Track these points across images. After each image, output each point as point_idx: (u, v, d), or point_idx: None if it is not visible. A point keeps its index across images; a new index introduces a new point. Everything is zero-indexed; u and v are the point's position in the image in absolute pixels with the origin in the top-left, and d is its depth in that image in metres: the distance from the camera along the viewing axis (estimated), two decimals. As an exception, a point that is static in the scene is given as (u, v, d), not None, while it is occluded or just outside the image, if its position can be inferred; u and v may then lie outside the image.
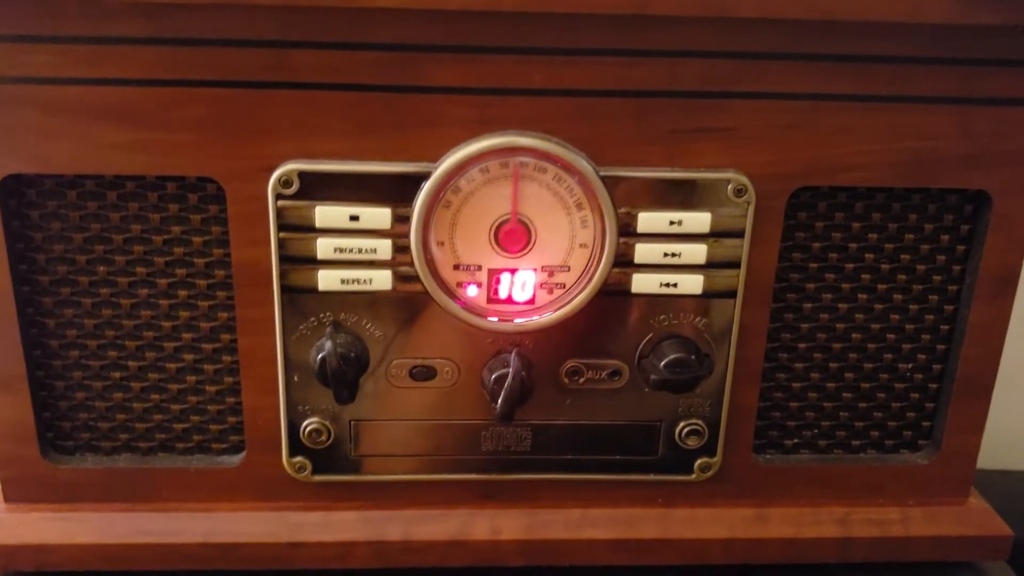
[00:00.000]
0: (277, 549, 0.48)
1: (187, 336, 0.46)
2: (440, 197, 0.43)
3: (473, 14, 0.40)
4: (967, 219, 0.47)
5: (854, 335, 0.49)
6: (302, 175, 0.43)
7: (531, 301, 0.46)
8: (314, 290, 0.45)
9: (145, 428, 0.48)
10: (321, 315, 0.45)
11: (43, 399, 0.47)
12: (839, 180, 0.45)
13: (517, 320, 0.46)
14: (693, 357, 0.45)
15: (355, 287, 0.45)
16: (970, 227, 0.47)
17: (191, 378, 0.47)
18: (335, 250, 0.44)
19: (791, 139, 0.44)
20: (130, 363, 0.47)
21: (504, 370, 0.45)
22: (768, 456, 0.51)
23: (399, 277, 0.45)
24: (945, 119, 0.44)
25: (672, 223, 0.44)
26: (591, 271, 0.45)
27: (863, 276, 0.47)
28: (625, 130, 0.43)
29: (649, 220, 0.44)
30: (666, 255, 0.45)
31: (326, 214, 0.43)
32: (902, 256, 0.47)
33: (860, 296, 0.48)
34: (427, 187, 0.43)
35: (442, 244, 0.45)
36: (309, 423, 0.47)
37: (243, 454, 0.48)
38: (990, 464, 0.59)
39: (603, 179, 0.43)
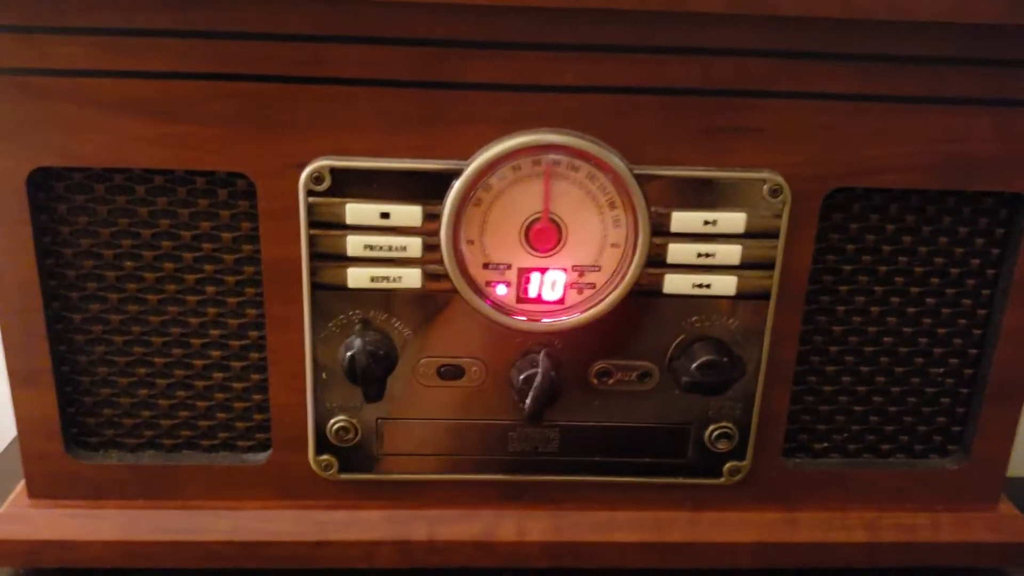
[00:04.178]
0: (302, 548, 0.48)
1: (214, 333, 0.46)
2: (471, 195, 0.43)
3: (507, 9, 0.40)
4: (1002, 223, 0.46)
5: (886, 338, 0.48)
6: (334, 171, 0.42)
7: (561, 301, 0.45)
8: (344, 287, 0.44)
9: (170, 425, 0.48)
10: (350, 313, 0.45)
11: (68, 395, 0.47)
12: (874, 182, 0.44)
13: (546, 320, 0.45)
14: (725, 359, 0.45)
15: (385, 285, 0.44)
16: (1005, 231, 0.46)
17: (218, 375, 0.47)
18: (365, 247, 0.43)
19: (827, 140, 0.43)
20: (156, 359, 0.46)
21: (533, 370, 0.45)
22: (797, 460, 0.50)
23: (428, 275, 0.44)
24: (981, 121, 0.43)
25: (706, 223, 0.44)
26: (623, 271, 0.44)
27: (896, 279, 0.47)
28: (659, 128, 0.43)
29: (683, 220, 0.44)
30: (700, 255, 0.44)
31: (357, 211, 0.43)
32: (936, 259, 0.47)
33: (892, 299, 0.47)
34: (458, 185, 0.42)
35: (472, 242, 0.44)
36: (336, 421, 0.47)
37: (269, 452, 0.48)
38: (1021, 472, 0.59)
39: (636, 177, 0.43)
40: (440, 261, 0.44)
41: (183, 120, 0.41)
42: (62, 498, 0.48)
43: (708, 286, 0.45)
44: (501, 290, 0.45)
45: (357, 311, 0.45)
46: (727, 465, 0.49)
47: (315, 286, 0.44)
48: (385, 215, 0.43)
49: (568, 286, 0.45)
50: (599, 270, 0.45)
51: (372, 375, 0.44)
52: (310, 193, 0.42)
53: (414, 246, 0.44)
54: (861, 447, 0.50)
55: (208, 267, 0.45)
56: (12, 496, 0.48)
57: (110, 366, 0.46)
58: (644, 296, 0.45)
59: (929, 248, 0.46)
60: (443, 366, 0.46)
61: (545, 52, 0.41)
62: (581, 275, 0.45)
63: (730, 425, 0.48)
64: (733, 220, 0.44)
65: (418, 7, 0.39)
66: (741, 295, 0.45)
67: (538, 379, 0.44)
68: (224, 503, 0.48)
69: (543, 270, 0.45)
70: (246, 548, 0.48)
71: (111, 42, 0.40)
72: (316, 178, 0.42)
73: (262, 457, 0.48)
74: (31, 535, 0.47)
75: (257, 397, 0.47)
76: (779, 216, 0.44)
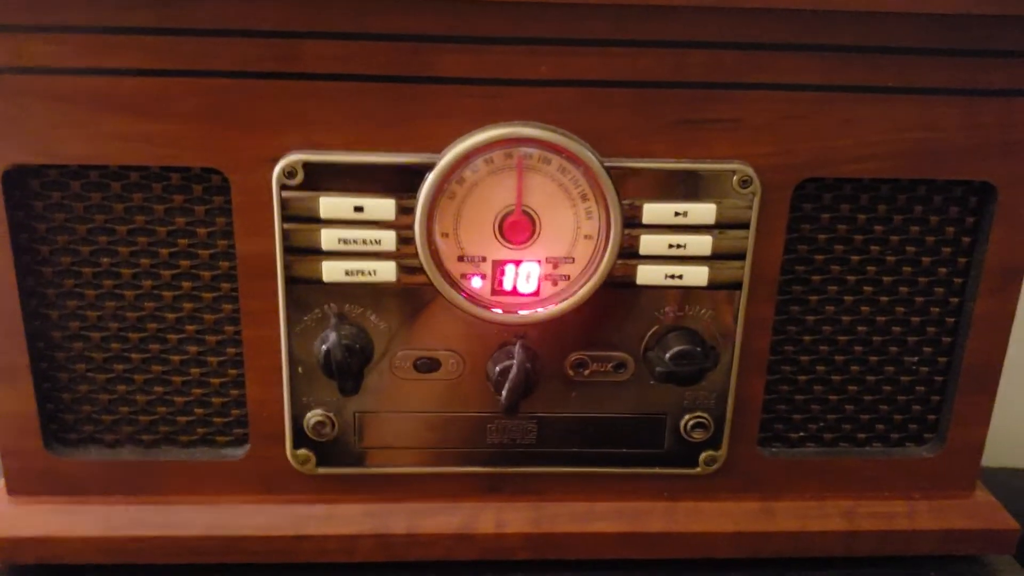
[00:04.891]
0: (281, 542, 0.48)
1: (191, 328, 0.46)
2: (444, 188, 0.43)
3: (479, 4, 0.40)
4: (972, 211, 0.47)
5: (859, 328, 0.48)
6: (306, 166, 0.42)
7: (536, 293, 0.46)
8: (318, 281, 0.44)
9: (148, 420, 0.48)
10: (325, 306, 0.45)
11: (46, 391, 0.47)
12: (844, 171, 0.45)
13: (522, 312, 0.46)
14: (698, 349, 0.45)
15: (359, 278, 0.44)
16: (975, 219, 0.47)
17: (195, 370, 0.47)
18: (339, 241, 0.44)
19: (797, 130, 0.44)
20: (133, 355, 0.47)
21: (509, 362, 0.45)
22: (773, 449, 0.50)
23: (403, 268, 0.45)
24: (950, 111, 0.44)
25: (677, 214, 0.44)
26: (596, 262, 0.45)
27: (868, 268, 0.47)
28: (630, 121, 0.43)
29: (654, 211, 0.44)
30: (671, 246, 0.45)
31: (330, 205, 0.43)
32: (907, 248, 0.47)
33: (865, 288, 0.48)
34: (431, 178, 0.43)
35: (446, 235, 0.44)
36: (313, 415, 0.47)
37: (247, 446, 0.48)
38: (997, 462, 0.59)
39: (608, 170, 0.43)
40: (415, 254, 0.44)
41: (157, 117, 0.42)
42: (41, 494, 0.48)
43: (680, 277, 0.45)
44: (476, 282, 0.45)
45: (332, 305, 0.45)
46: (703, 455, 0.49)
47: (290, 280, 0.44)
48: (359, 208, 0.43)
49: (543, 278, 0.45)
50: (573, 262, 0.45)
51: (347, 369, 0.44)
52: (283, 187, 0.43)
53: (388, 239, 0.44)
54: (837, 436, 0.51)
55: (184, 262, 0.45)
56: (-9, 493, 0.49)
57: (88, 362, 0.47)
58: (618, 287, 0.45)
59: (900, 237, 0.47)
60: (420, 359, 0.46)
61: (517, 46, 0.41)
62: (555, 267, 0.45)
63: (705, 415, 0.48)
64: (703, 211, 0.44)
65: (390, 2, 0.40)
66: (713, 285, 0.45)
67: (513, 371, 0.45)
68: (203, 498, 0.48)
69: (517, 262, 0.45)
70: (226, 543, 0.48)
71: (85, 40, 0.40)
72: (289, 172, 0.42)
73: (240, 452, 0.48)
74: (10, 532, 0.47)
75: (234, 392, 0.47)
76: (750, 207, 0.44)
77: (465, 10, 0.40)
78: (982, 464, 0.51)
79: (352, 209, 0.43)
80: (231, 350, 0.47)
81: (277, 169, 0.42)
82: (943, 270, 0.48)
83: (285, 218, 0.43)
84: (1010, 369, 0.50)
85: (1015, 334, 0.49)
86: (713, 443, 0.49)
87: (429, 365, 0.47)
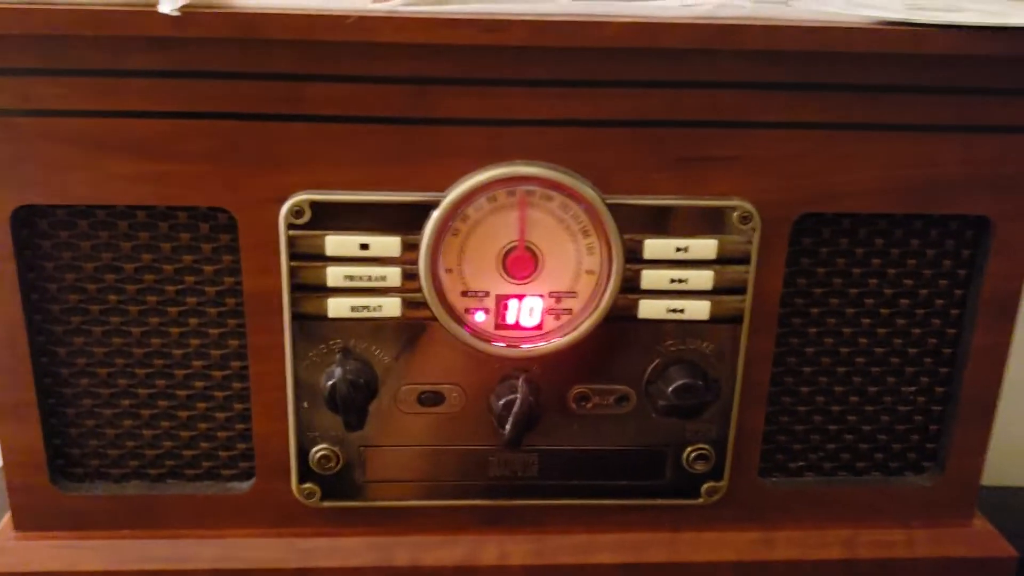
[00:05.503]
0: (287, 575, 0.48)
1: (197, 363, 0.47)
2: (449, 225, 0.44)
3: (482, 48, 0.41)
4: (968, 244, 0.47)
5: (858, 359, 0.49)
6: (313, 205, 0.43)
7: (538, 327, 0.46)
8: (324, 317, 0.45)
9: (155, 455, 0.48)
10: (331, 342, 0.45)
11: (53, 427, 0.47)
12: (843, 207, 0.45)
13: (524, 346, 0.46)
14: (700, 383, 0.46)
15: (365, 314, 0.45)
16: (971, 252, 0.47)
17: (201, 405, 0.47)
18: (345, 278, 0.44)
19: (795, 167, 0.44)
20: (140, 390, 0.47)
21: (512, 396, 0.45)
22: (774, 479, 0.51)
23: (408, 304, 0.45)
24: (946, 147, 0.44)
25: (678, 250, 0.45)
26: (598, 297, 0.45)
27: (866, 301, 0.48)
28: (630, 159, 0.44)
29: (655, 247, 0.45)
30: (673, 281, 0.45)
31: (337, 243, 0.44)
32: (905, 281, 0.48)
33: (864, 320, 0.48)
34: (436, 216, 0.43)
35: (450, 271, 0.45)
36: (318, 449, 0.47)
37: (253, 480, 0.48)
38: (999, 481, 0.60)
39: (609, 207, 0.44)
40: (419, 289, 0.45)
41: (164, 158, 0.42)
42: (48, 529, 0.48)
43: (682, 311, 0.46)
44: (480, 317, 0.46)
45: (338, 340, 0.45)
46: (705, 486, 0.49)
47: (296, 316, 0.45)
48: (364, 246, 0.44)
49: (545, 312, 0.46)
50: (575, 296, 0.46)
51: (352, 404, 0.44)
52: (290, 226, 0.43)
53: (393, 276, 0.44)
54: (836, 465, 0.51)
55: (190, 299, 0.45)
56: (-2, 528, 0.49)
57: (95, 398, 0.47)
58: (620, 321, 0.46)
59: (898, 270, 0.48)
60: (423, 393, 0.47)
61: (520, 88, 0.42)
62: (558, 301, 0.46)
63: (707, 446, 0.48)
64: (704, 247, 0.45)
65: (394, 46, 0.40)
66: (715, 319, 0.46)
67: (517, 405, 0.45)
68: (209, 532, 0.49)
69: (520, 297, 0.46)
70: (231, 576, 0.48)
71: (92, 83, 0.41)
72: (296, 212, 0.43)
73: (246, 486, 0.49)
74: (17, 567, 0.47)
75: (240, 426, 0.48)
76: (750, 242, 0.45)
77: (467, 54, 0.41)
78: (981, 483, 0.52)
79: (358, 247, 0.44)
80: (237, 385, 0.47)
81: (285, 208, 0.43)
82: (940, 302, 0.48)
83: (292, 256, 0.44)
84: (1009, 388, 0.50)
85: (1013, 353, 0.49)
86: (715, 474, 0.49)
87: (433, 399, 0.47)
